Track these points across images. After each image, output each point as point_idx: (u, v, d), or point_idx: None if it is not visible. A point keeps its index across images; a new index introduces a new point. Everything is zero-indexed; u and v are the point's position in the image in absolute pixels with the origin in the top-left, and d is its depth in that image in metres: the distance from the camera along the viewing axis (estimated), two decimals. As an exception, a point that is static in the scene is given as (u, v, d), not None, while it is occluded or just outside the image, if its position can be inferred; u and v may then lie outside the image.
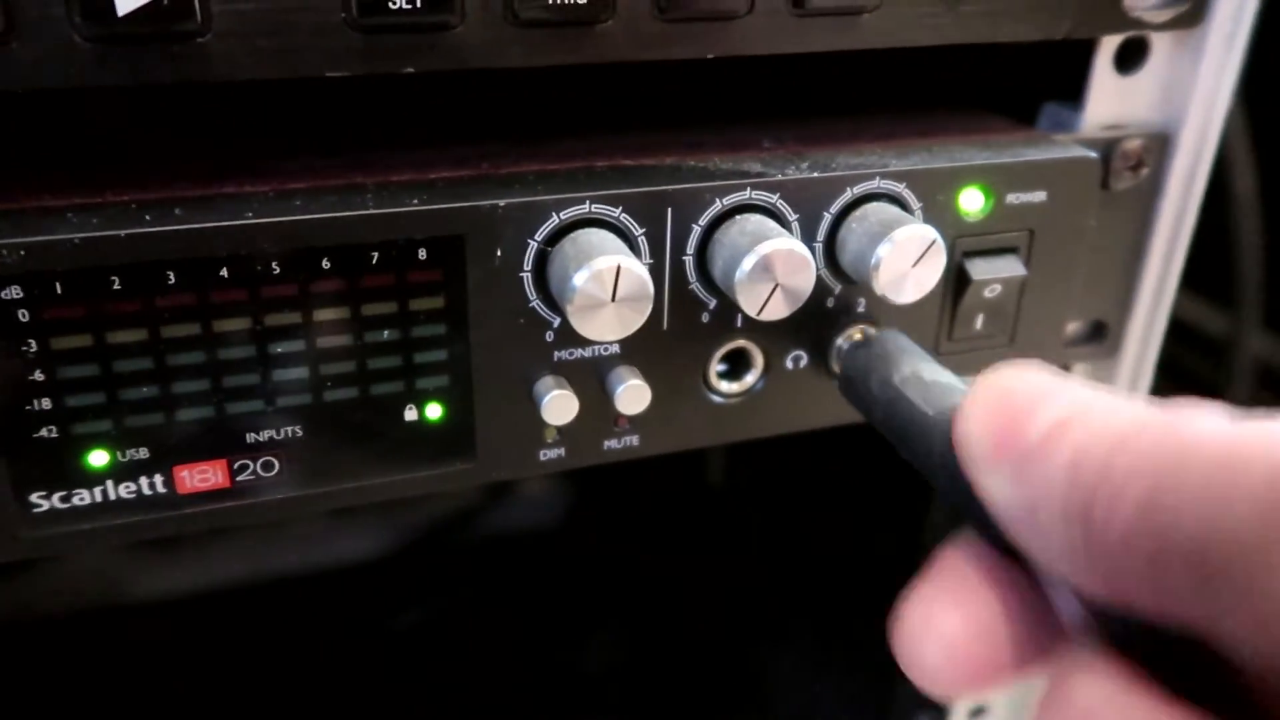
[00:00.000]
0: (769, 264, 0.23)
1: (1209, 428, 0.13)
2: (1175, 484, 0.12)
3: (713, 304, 0.26)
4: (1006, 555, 0.16)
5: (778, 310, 0.24)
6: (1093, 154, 0.28)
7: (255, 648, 0.70)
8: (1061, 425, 0.14)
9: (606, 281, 0.22)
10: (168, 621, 0.71)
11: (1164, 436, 0.13)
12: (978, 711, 0.39)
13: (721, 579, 0.60)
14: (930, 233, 0.25)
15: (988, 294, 0.28)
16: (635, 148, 0.26)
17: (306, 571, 0.78)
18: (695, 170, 0.25)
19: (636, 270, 0.22)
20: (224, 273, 0.21)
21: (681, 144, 0.27)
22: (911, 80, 0.33)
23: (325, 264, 0.22)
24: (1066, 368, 0.33)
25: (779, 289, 0.24)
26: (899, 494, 0.39)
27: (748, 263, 0.23)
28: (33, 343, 0.21)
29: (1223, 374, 0.61)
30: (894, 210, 0.26)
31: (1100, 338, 0.33)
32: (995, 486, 0.15)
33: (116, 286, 0.21)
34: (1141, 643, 0.14)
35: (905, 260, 0.25)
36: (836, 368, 0.27)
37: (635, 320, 0.23)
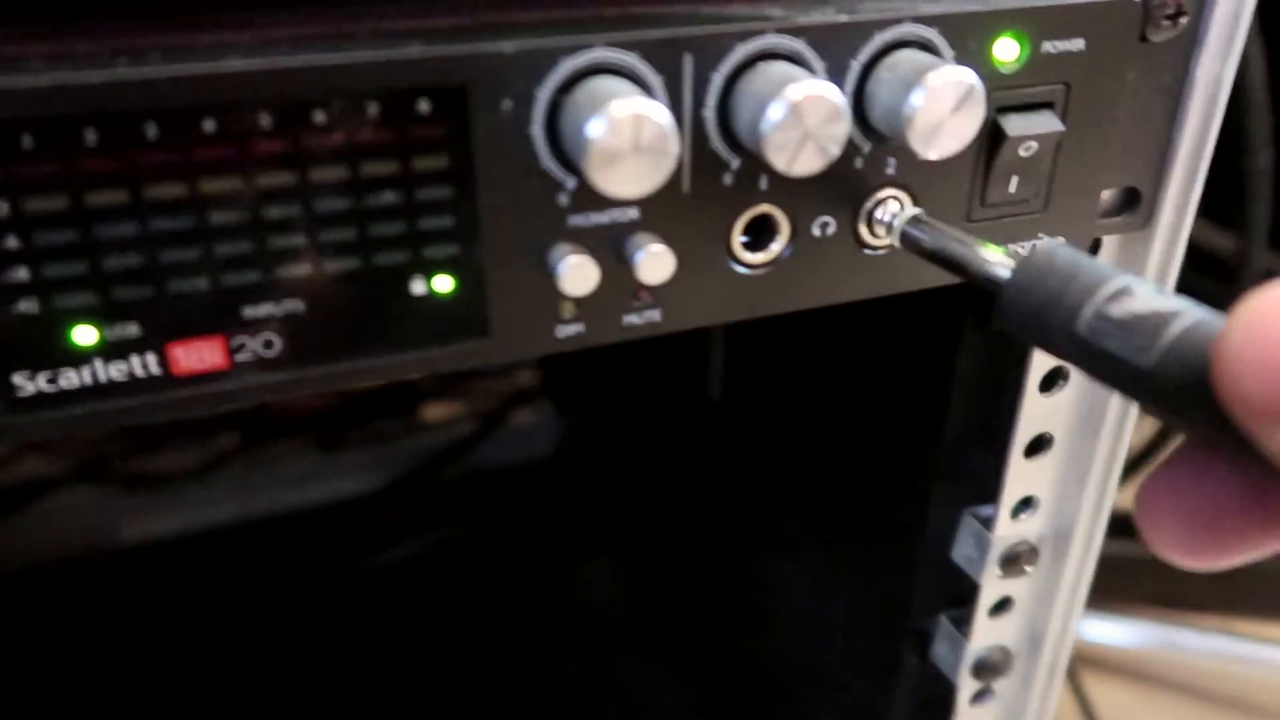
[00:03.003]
0: (799, 110, 0.22)
1: None
2: None
3: (735, 164, 0.24)
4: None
5: (809, 164, 0.23)
6: (1133, -3, 0.26)
7: (247, 588, 0.69)
8: None
9: (624, 130, 0.21)
10: (157, 564, 0.70)
11: None
12: (1001, 605, 0.39)
13: (724, 496, 0.59)
14: (969, 75, 0.23)
15: (1023, 153, 0.26)
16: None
17: (297, 510, 0.76)
18: (712, 15, 0.23)
19: (658, 116, 0.21)
20: (208, 127, 0.20)
21: (696, -5, 0.25)
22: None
23: (318, 118, 0.20)
24: (1098, 241, 0.32)
25: (810, 139, 0.22)
26: (906, 395, 0.38)
27: (775, 110, 0.22)
28: (4, 204, 0.19)
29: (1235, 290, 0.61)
30: (927, 57, 0.24)
31: (1134, 207, 0.31)
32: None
33: (91, 141, 0.19)
34: None
35: (942, 107, 0.23)
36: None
37: (657, 174, 0.21)
